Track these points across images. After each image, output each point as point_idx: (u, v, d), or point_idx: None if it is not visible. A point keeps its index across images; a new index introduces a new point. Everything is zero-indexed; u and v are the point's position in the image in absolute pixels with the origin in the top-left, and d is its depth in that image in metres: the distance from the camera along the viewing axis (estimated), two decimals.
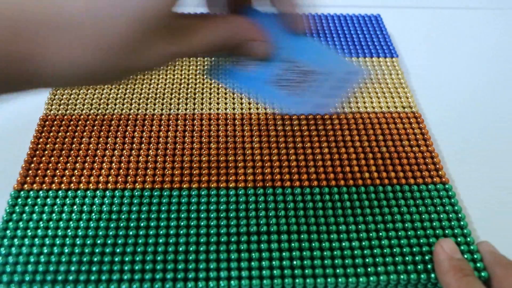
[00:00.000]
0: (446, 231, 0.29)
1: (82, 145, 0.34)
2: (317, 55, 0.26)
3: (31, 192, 0.31)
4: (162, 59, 0.20)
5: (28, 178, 0.32)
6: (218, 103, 0.38)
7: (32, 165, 0.33)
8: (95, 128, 0.35)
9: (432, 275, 0.27)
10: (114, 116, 0.36)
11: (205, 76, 0.41)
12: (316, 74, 0.26)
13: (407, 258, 0.28)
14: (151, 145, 0.34)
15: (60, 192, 0.31)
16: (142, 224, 0.29)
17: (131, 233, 0.29)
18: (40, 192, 0.31)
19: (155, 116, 0.37)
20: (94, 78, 0.19)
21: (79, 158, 0.33)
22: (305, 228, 0.29)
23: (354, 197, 0.31)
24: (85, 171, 0.32)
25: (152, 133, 0.35)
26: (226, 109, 0.38)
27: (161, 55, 0.20)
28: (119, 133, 0.35)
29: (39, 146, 0.34)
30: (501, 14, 0.53)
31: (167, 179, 0.32)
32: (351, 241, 0.29)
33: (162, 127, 0.36)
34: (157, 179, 0.32)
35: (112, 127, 0.36)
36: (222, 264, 0.27)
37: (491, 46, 0.49)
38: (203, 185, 0.32)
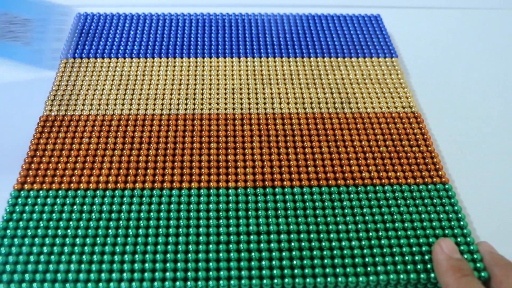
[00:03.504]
0: (446, 231, 0.29)
1: (82, 145, 0.34)
2: (19, 2, 0.27)
3: (31, 192, 0.31)
4: None
5: (28, 178, 0.32)
6: (218, 103, 0.38)
7: (32, 165, 0.33)
8: (95, 128, 0.35)
9: (432, 275, 0.27)
10: (114, 116, 0.36)
11: None
12: (31, 22, 0.27)
13: (406, 258, 0.28)
14: (151, 145, 0.34)
15: (60, 192, 0.31)
16: (142, 224, 0.29)
17: (131, 233, 0.29)
18: (40, 192, 0.31)
19: (155, 116, 0.37)
20: None
21: (79, 158, 0.33)
22: (305, 228, 0.29)
23: (354, 197, 0.31)
24: (85, 171, 0.32)
25: (152, 133, 0.35)
26: (226, 109, 0.38)
27: None
28: (119, 133, 0.35)
29: (39, 146, 0.34)
30: (501, 14, 0.53)
31: (167, 179, 0.32)
32: (351, 240, 0.29)
33: (162, 127, 0.36)
34: (157, 179, 0.32)
35: (112, 127, 0.36)
36: (222, 264, 0.27)
37: (491, 46, 0.49)
38: (203, 185, 0.32)
